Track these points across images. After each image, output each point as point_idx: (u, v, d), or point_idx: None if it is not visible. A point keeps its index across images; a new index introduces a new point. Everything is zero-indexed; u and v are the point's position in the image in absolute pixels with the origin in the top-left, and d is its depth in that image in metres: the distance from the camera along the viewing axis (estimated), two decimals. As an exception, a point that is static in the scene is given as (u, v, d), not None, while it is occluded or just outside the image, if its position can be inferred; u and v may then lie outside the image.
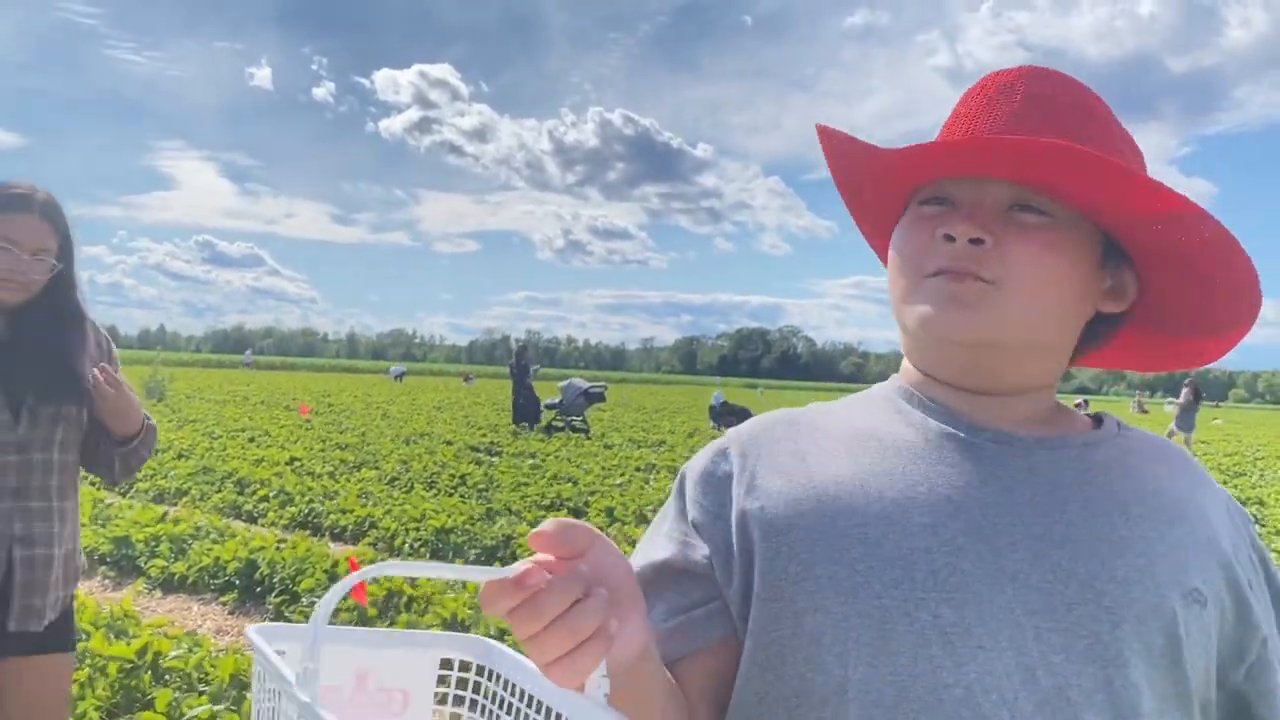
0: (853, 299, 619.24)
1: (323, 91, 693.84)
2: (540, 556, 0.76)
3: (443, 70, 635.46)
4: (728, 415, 21.42)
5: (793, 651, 0.89)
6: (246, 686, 4.26)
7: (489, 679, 0.91)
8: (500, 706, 0.88)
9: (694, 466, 1.03)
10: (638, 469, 12.73)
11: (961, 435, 0.96)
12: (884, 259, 1.05)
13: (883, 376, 1.13)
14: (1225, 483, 13.45)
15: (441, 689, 0.94)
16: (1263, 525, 9.98)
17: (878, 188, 1.02)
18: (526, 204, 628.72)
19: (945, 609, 0.85)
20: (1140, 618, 0.87)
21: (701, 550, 0.96)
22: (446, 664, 0.94)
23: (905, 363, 1.06)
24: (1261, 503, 11.69)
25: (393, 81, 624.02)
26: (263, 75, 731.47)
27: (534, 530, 0.75)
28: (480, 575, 0.72)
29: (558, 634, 0.71)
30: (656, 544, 1.00)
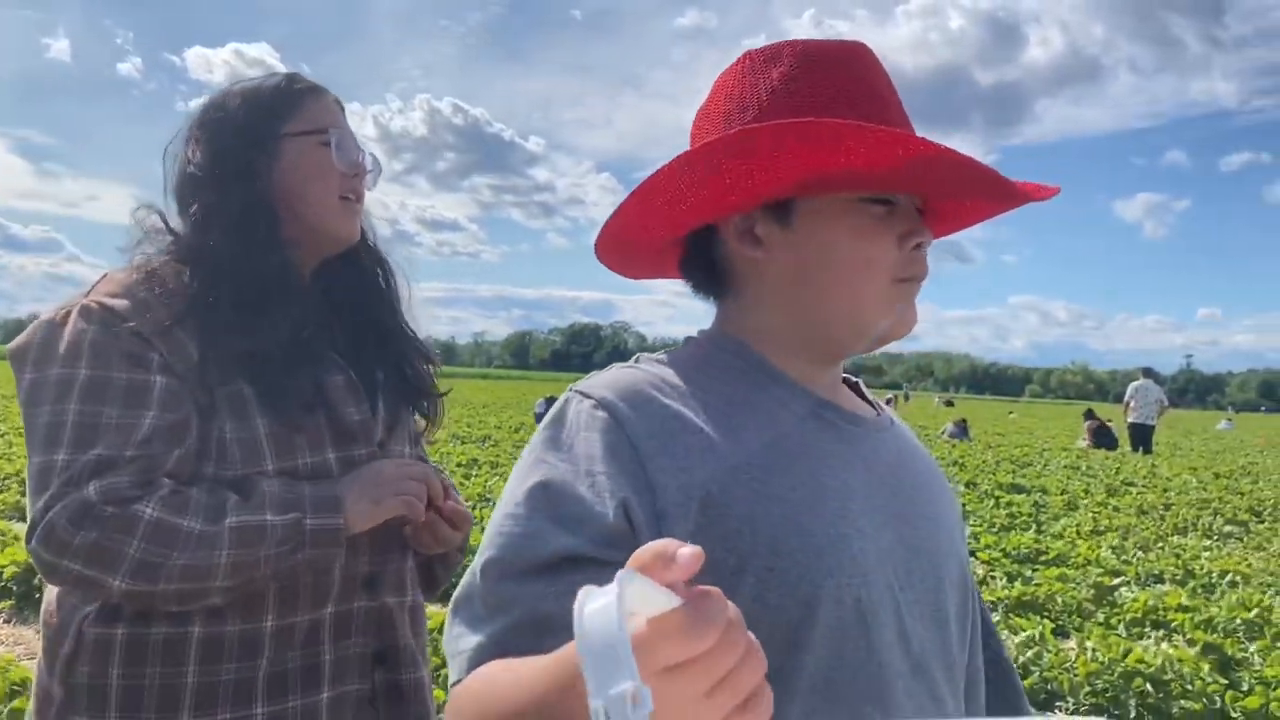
0: (681, 296, 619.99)
1: (129, 68, 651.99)
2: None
3: (260, 50, 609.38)
4: (554, 410, 21.34)
5: None
6: (17, 696, 4.00)
7: None
8: None
9: (585, 446, 0.92)
10: (459, 464, 12.57)
11: (827, 416, 1.02)
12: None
13: None
14: (1013, 473, 14.35)
15: None
16: (1044, 511, 10.72)
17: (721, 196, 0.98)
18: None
19: (862, 591, 0.92)
20: (953, 584, 1.02)
21: (610, 550, 0.86)
22: None
23: (744, 322, 1.05)
24: (1044, 490, 12.54)
25: (205, 60, 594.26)
26: (60, 47, 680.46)
27: (664, 553, 0.56)
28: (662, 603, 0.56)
29: (750, 670, 0.58)
30: (556, 534, 0.87)
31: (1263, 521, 11.13)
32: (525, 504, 0.90)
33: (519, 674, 0.76)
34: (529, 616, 0.84)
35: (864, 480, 0.99)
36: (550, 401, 23.20)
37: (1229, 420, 50.23)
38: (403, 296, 1.63)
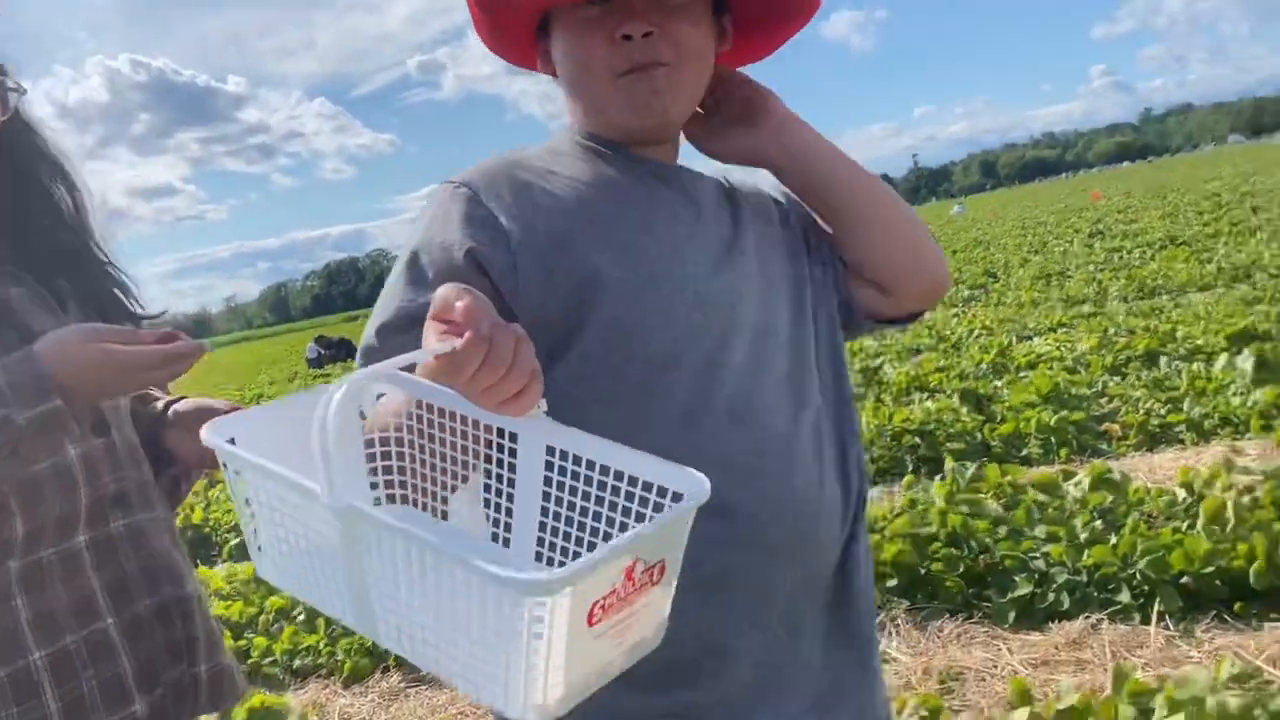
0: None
1: None
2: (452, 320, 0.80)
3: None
4: (331, 352, 20.73)
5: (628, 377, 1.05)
6: None
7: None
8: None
9: (445, 220, 1.06)
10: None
11: (663, 175, 1.16)
12: (544, 68, 1.19)
13: None
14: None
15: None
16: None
17: (513, 14, 1.14)
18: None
19: (698, 316, 1.07)
20: (786, 301, 1.18)
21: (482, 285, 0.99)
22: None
23: (578, 116, 1.18)
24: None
25: None
26: None
27: (447, 301, 0.80)
28: (435, 350, 0.78)
29: (517, 374, 0.80)
30: (413, 293, 1.04)
31: (997, 281, 12.23)
32: (398, 276, 1.07)
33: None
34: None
35: (694, 222, 1.13)
36: (323, 341, 22.41)
37: (960, 205, 54.29)
38: (85, 210, 1.48)
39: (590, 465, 0.86)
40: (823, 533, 1.11)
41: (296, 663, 3.84)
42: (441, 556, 0.69)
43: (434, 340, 0.81)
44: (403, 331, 1.03)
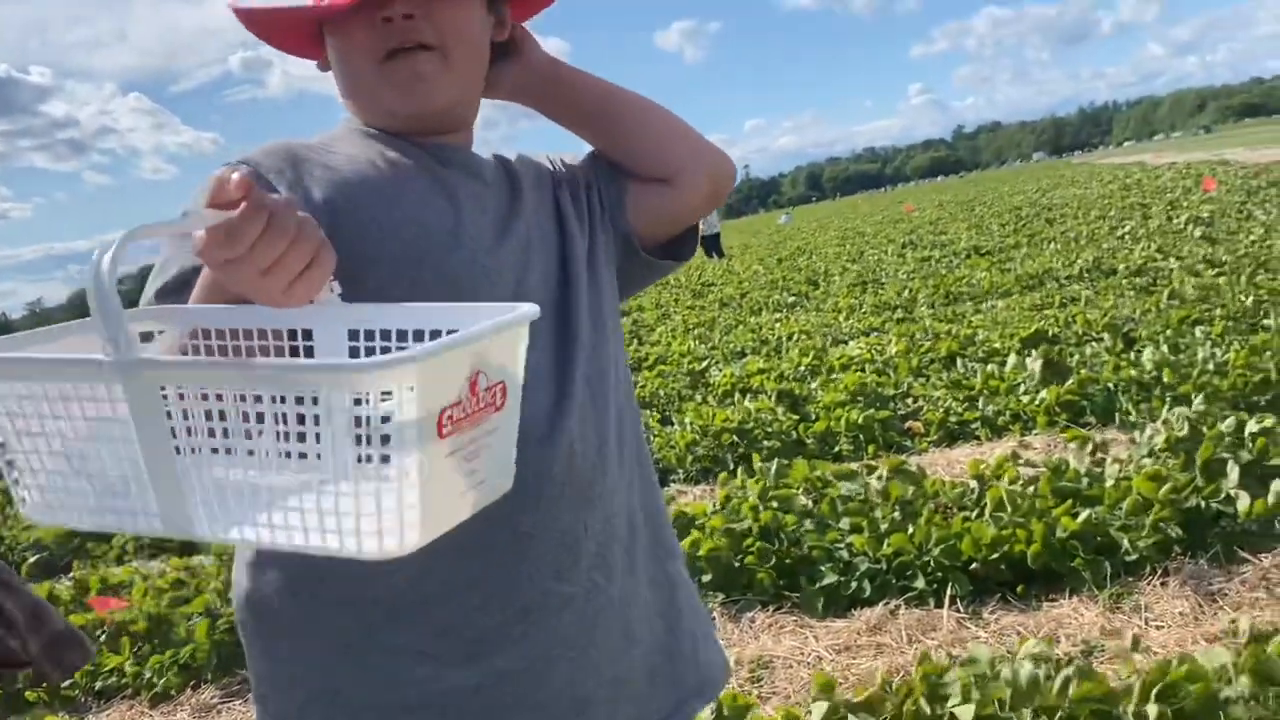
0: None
1: None
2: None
3: None
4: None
5: None
6: None
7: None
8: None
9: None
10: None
11: (443, 155, 1.14)
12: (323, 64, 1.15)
13: None
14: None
15: None
16: (641, 326, 11.52)
17: (296, 28, 1.12)
18: None
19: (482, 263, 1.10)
20: (575, 258, 1.20)
21: None
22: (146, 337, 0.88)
23: (361, 119, 1.16)
24: (640, 309, 13.45)
25: None
26: None
27: (222, 179, 0.75)
28: (210, 218, 0.72)
29: (298, 252, 0.76)
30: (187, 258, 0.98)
31: (818, 288, 12.71)
32: (176, 244, 1.03)
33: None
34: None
35: (477, 197, 1.14)
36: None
37: (787, 214, 56.07)
38: None
39: (402, 337, 0.83)
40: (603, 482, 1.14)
41: (100, 684, 3.63)
42: (284, 372, 0.65)
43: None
44: (182, 294, 0.97)
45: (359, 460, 0.65)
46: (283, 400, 0.66)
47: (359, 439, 0.65)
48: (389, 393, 0.64)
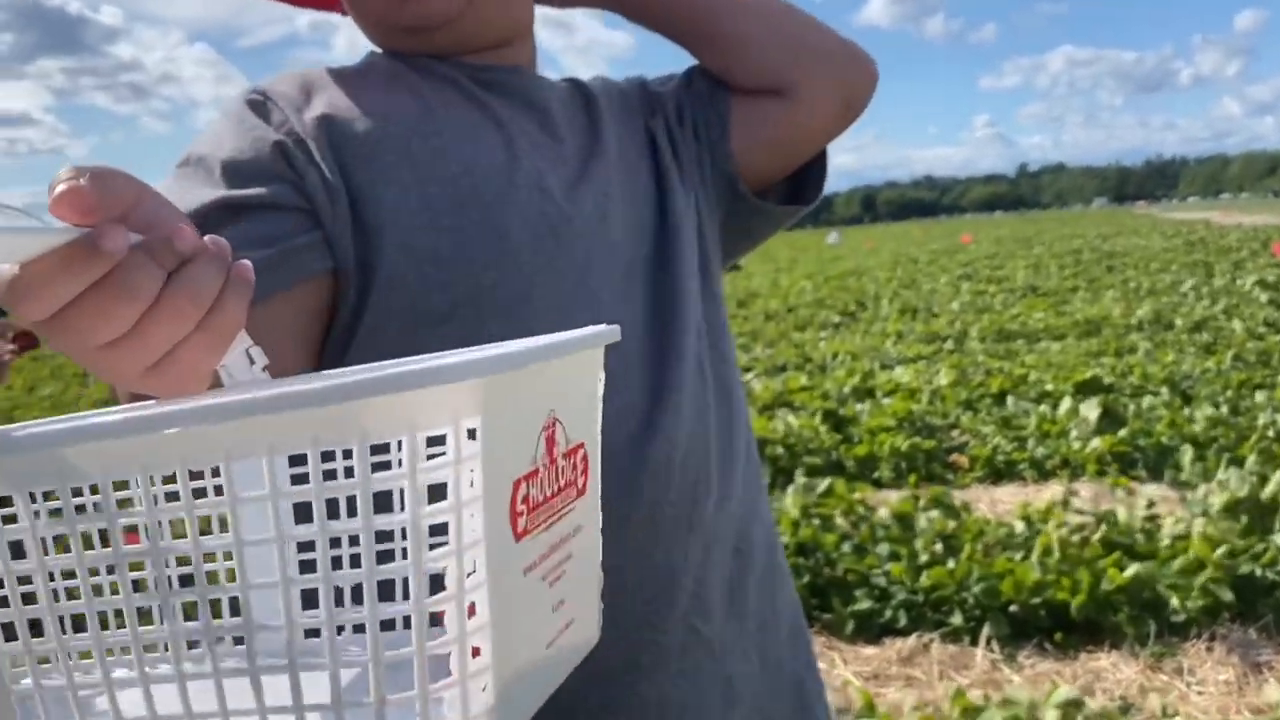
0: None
1: None
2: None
3: None
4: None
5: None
6: None
7: None
8: None
9: (237, 118, 0.86)
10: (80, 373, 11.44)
11: (482, 77, 0.94)
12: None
13: None
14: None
15: None
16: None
17: None
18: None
19: (549, 206, 0.88)
20: (642, 198, 0.99)
21: (274, 186, 0.81)
22: None
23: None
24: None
25: None
26: None
27: (61, 187, 0.43)
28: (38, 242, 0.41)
29: (170, 312, 0.45)
30: (200, 192, 0.80)
31: (866, 310, 12.60)
32: (175, 178, 0.84)
33: None
34: None
35: (538, 133, 0.94)
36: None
37: (836, 233, 55.76)
38: None
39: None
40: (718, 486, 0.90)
41: None
42: (218, 417, 0.34)
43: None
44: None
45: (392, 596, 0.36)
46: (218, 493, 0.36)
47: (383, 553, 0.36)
48: (439, 439, 0.36)
